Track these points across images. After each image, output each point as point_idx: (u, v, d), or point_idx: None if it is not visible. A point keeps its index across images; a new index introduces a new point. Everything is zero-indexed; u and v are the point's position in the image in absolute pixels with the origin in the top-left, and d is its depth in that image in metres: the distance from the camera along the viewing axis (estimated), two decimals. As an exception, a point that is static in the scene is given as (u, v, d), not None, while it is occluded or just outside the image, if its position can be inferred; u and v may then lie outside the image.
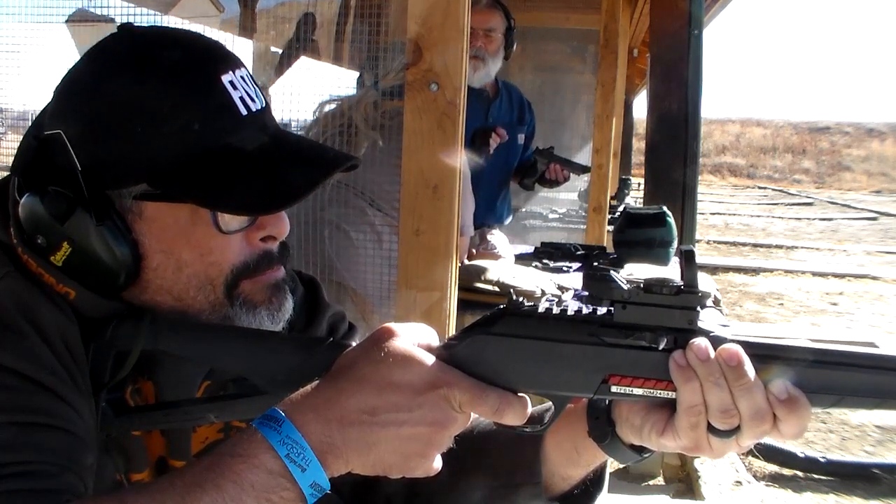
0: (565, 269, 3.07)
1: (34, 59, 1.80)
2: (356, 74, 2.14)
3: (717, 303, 3.05)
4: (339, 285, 1.93)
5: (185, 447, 0.92)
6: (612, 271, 0.73)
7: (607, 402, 0.81)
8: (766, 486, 3.43)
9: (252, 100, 0.85)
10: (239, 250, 0.86)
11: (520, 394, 0.74)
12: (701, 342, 0.71)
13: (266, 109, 0.88)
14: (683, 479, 3.37)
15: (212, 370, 0.90)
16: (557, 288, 2.58)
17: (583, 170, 3.58)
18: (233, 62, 0.86)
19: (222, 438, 0.94)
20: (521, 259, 3.22)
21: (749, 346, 0.71)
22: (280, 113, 1.86)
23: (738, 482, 3.22)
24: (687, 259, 0.72)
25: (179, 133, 0.81)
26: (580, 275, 3.02)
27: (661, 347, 0.72)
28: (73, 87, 0.84)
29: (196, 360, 0.87)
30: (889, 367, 0.70)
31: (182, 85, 0.82)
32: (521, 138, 3.42)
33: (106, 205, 0.81)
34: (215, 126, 0.82)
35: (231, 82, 0.84)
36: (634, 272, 2.61)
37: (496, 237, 3.31)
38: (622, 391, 0.73)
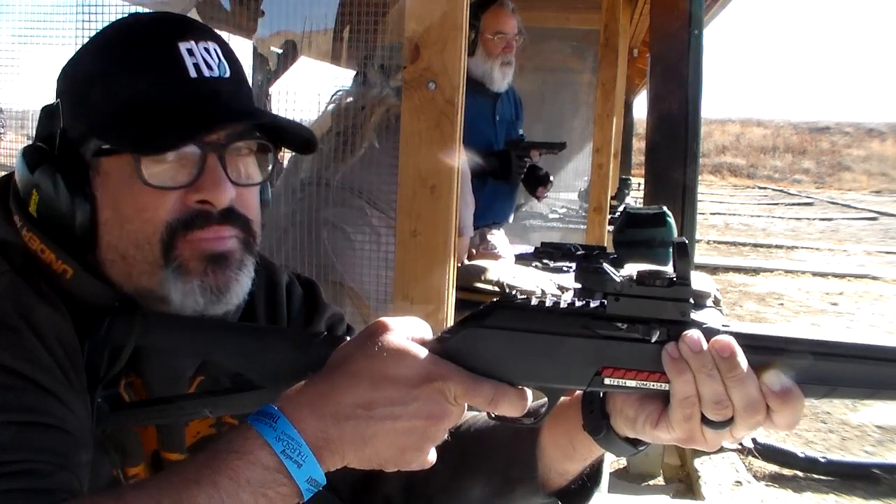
0: (565, 269, 3.06)
1: (33, 59, 1.80)
2: (353, 73, 2.13)
3: (717, 303, 3.04)
4: (338, 285, 1.92)
5: (178, 439, 0.92)
6: (604, 264, 0.73)
7: (601, 394, 0.81)
8: (766, 486, 3.43)
9: (209, 67, 0.88)
10: (173, 208, 0.86)
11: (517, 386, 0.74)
12: (693, 334, 0.71)
13: (229, 79, 0.90)
14: (683, 479, 3.38)
15: (205, 365, 0.91)
16: (557, 288, 2.57)
17: (560, 147, 3.54)
18: (200, 34, 0.90)
19: (214, 433, 0.94)
20: (521, 259, 3.22)
21: (742, 338, 0.71)
22: (279, 113, 1.86)
23: (738, 482, 3.22)
24: (679, 251, 0.72)
25: (125, 91, 0.86)
26: (580, 275, 3.00)
27: (653, 339, 0.72)
28: (65, 66, 0.93)
29: (190, 354, 0.87)
30: (882, 358, 0.71)
31: (137, 51, 0.88)
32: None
33: (73, 160, 0.87)
34: (160, 85, 0.86)
35: (189, 49, 0.87)
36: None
37: (496, 237, 3.30)
38: (616, 383, 0.74)
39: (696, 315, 0.72)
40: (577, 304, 0.75)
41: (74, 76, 0.92)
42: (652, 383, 0.73)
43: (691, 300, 0.72)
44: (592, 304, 0.74)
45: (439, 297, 1.45)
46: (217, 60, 0.89)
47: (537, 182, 3.47)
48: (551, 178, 3.55)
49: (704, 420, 0.72)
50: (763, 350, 0.71)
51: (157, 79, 0.87)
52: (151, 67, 0.87)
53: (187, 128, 0.85)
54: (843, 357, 0.71)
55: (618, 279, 0.72)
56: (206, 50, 0.89)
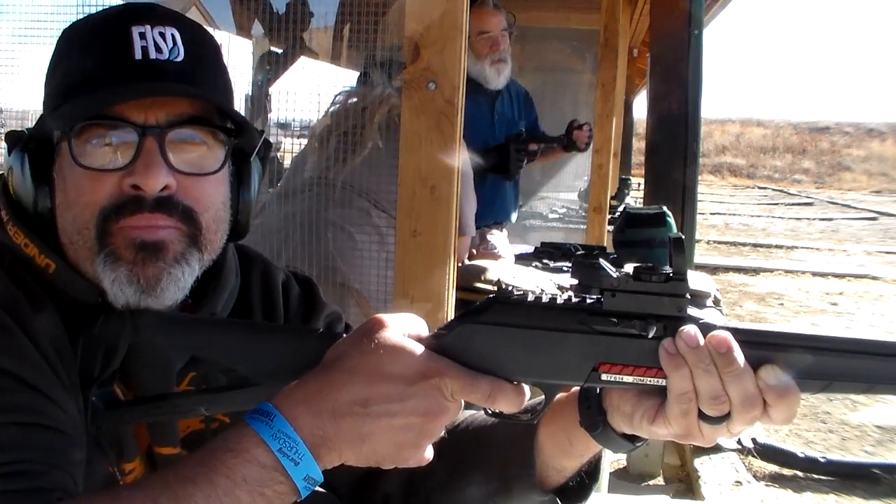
0: (565, 269, 3.06)
1: (33, 58, 1.80)
2: (355, 74, 2.13)
3: (717, 303, 3.04)
4: (342, 286, 1.92)
5: (171, 433, 0.92)
6: (600, 259, 0.73)
7: (598, 390, 0.81)
8: (766, 486, 3.42)
9: (158, 50, 0.86)
10: (109, 193, 0.85)
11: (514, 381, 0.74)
12: (690, 329, 0.71)
13: (181, 63, 0.87)
14: (683, 479, 3.37)
15: (197, 360, 0.90)
16: (557, 288, 2.57)
17: (559, 141, 3.49)
18: (160, 20, 0.88)
19: (203, 428, 0.94)
20: (521, 259, 3.22)
21: (738, 333, 0.72)
22: (279, 113, 1.87)
23: (738, 482, 3.22)
24: (676, 246, 0.72)
25: (74, 72, 0.88)
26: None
27: (650, 335, 0.72)
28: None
29: (184, 352, 0.87)
30: (876, 353, 0.71)
31: (92, 35, 0.90)
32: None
33: (42, 144, 0.88)
34: (104, 65, 0.86)
35: (141, 33, 0.86)
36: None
37: (496, 237, 3.30)
38: (612, 379, 0.74)
39: (692, 311, 0.73)
40: (574, 299, 0.74)
41: (49, 65, 0.93)
42: (649, 379, 0.73)
43: (688, 295, 0.72)
44: (589, 300, 0.74)
45: (439, 297, 1.45)
46: (171, 45, 0.87)
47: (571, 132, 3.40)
48: (591, 126, 3.48)
49: (701, 415, 0.73)
50: (759, 345, 0.72)
51: (103, 59, 0.86)
52: (99, 49, 0.87)
53: (102, 100, 0.84)
54: (838, 352, 0.71)
55: (614, 275, 0.72)
56: (161, 34, 0.87)
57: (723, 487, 3.16)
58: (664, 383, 0.73)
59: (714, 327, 0.72)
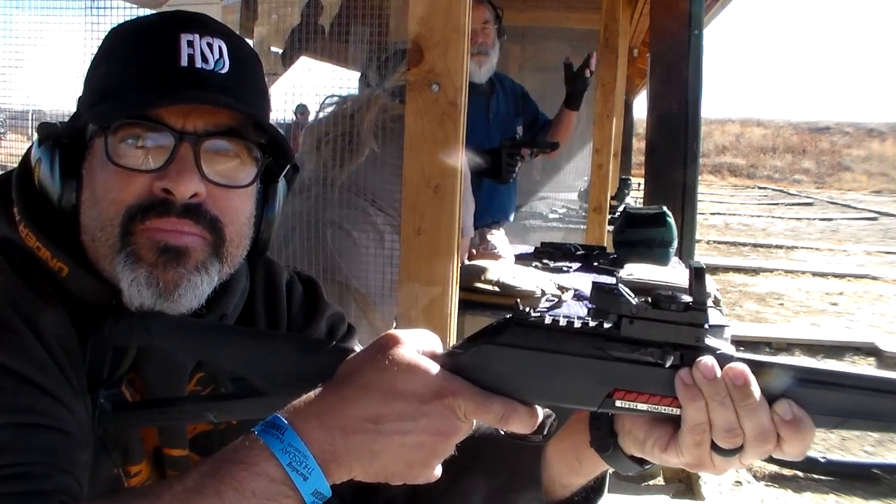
0: (565, 269, 3.07)
1: (35, 57, 1.80)
2: (357, 74, 2.14)
3: (717, 303, 3.05)
4: (342, 285, 1.93)
5: (180, 435, 0.91)
6: (620, 285, 0.72)
7: (610, 414, 0.81)
8: (766, 486, 3.43)
9: (205, 60, 0.86)
10: (138, 193, 0.84)
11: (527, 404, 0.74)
12: (708, 361, 0.70)
13: (225, 75, 0.87)
14: (683, 479, 3.37)
15: (202, 361, 0.90)
16: (557, 288, 2.57)
17: (552, 147, 3.46)
18: (209, 30, 0.88)
19: (211, 430, 0.94)
20: (521, 259, 3.23)
21: (755, 366, 0.71)
22: (280, 113, 1.87)
23: (738, 482, 3.23)
24: (696, 275, 0.71)
25: (118, 73, 0.87)
26: (580, 275, 3.03)
27: (667, 364, 0.71)
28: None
29: (193, 357, 0.87)
30: (894, 391, 0.70)
31: (140, 38, 0.89)
32: (519, 130, 3.40)
33: (75, 139, 0.88)
34: (148, 69, 0.86)
35: (189, 41, 0.86)
36: (634, 272, 2.61)
37: (496, 237, 3.30)
38: (627, 406, 0.73)
39: (710, 341, 0.72)
40: (591, 324, 0.74)
41: (91, 62, 0.92)
42: (663, 408, 0.72)
43: (706, 325, 0.71)
44: (606, 325, 0.73)
45: (443, 285, 1.45)
46: (217, 56, 0.87)
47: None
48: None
49: (714, 447, 0.72)
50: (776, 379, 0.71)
51: (148, 64, 0.86)
52: (146, 53, 0.87)
53: (144, 101, 0.84)
54: (855, 388, 0.70)
55: (633, 301, 0.72)
56: (209, 45, 0.87)
57: (723, 487, 3.17)
58: (678, 413, 0.72)
59: (731, 359, 0.71)
